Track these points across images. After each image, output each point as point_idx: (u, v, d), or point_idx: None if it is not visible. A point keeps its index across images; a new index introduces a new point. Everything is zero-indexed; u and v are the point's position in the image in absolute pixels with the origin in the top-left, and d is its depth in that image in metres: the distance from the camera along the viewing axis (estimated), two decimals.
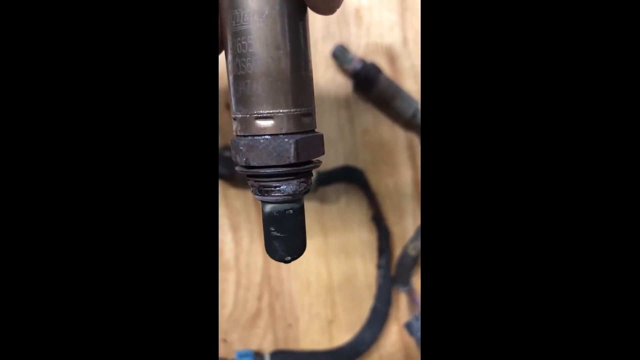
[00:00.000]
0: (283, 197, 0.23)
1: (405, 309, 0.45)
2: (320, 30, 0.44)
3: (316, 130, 0.24)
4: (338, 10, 0.44)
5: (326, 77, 0.44)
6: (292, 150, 0.22)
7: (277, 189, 0.23)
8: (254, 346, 0.43)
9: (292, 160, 0.22)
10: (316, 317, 0.44)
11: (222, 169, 0.41)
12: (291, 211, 0.24)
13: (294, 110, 0.22)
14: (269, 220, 0.24)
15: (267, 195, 0.23)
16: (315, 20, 0.44)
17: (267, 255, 0.44)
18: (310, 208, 0.44)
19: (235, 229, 0.43)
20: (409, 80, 0.45)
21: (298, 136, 0.22)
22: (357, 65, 0.42)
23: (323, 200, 0.44)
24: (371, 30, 0.45)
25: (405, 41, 0.46)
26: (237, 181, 0.42)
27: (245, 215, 0.43)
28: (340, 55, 0.43)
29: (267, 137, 0.22)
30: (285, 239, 0.24)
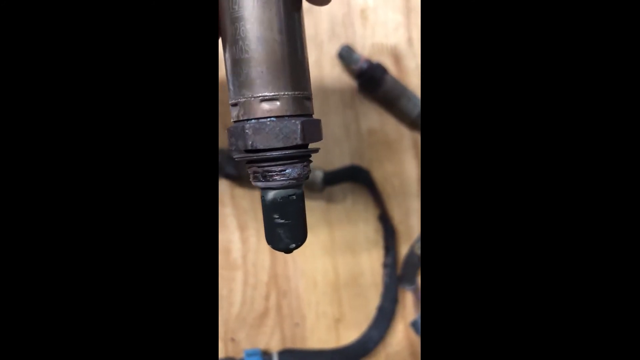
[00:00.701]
0: (288, 182, 0.23)
1: (411, 308, 0.45)
2: (326, 30, 0.44)
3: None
4: (344, 11, 0.45)
5: (332, 76, 0.44)
6: (299, 131, 0.22)
7: (283, 172, 0.23)
8: (261, 345, 0.43)
9: (298, 141, 0.22)
10: (323, 315, 0.44)
11: (230, 169, 0.41)
12: (294, 197, 0.24)
13: (297, 92, 0.23)
14: (272, 208, 0.23)
15: (272, 181, 0.23)
16: (321, 21, 0.44)
17: (274, 254, 0.44)
18: (317, 207, 0.44)
19: (242, 228, 0.43)
20: (414, 80, 0.45)
21: (302, 118, 0.23)
22: (363, 65, 0.43)
23: (330, 199, 0.44)
24: (376, 30, 0.45)
25: (410, 41, 0.46)
26: (245, 181, 0.42)
27: (253, 214, 0.43)
28: (346, 55, 0.43)
29: (272, 119, 0.22)
30: (289, 226, 0.24)
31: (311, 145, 0.24)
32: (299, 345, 0.44)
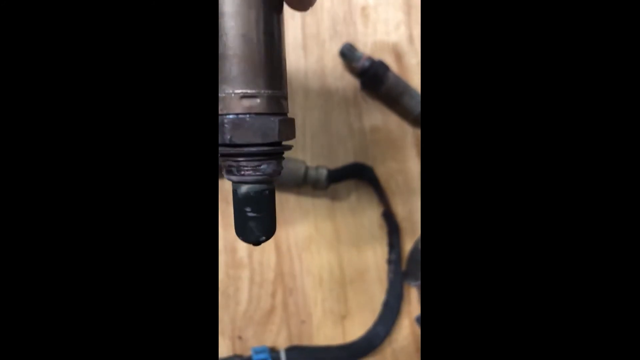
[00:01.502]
0: (262, 177, 0.24)
1: (416, 303, 0.46)
2: (328, 29, 0.45)
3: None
4: (345, 9, 0.45)
5: (334, 75, 0.45)
6: (277, 129, 0.23)
7: (258, 168, 0.23)
8: (268, 342, 0.44)
9: (276, 138, 0.23)
10: (329, 312, 0.45)
11: None
12: (267, 192, 0.24)
13: (276, 91, 0.23)
14: (244, 202, 0.24)
15: (246, 175, 0.24)
16: (322, 20, 0.44)
17: (280, 251, 0.44)
18: (322, 205, 0.45)
19: None
20: (416, 77, 0.46)
21: (279, 117, 0.23)
22: (365, 63, 0.43)
23: (334, 197, 0.45)
24: (378, 28, 0.46)
25: (411, 38, 0.46)
26: None
27: None
28: (348, 53, 0.43)
29: (252, 115, 0.23)
30: (261, 219, 0.24)
31: (285, 143, 0.25)
32: (305, 342, 0.44)
